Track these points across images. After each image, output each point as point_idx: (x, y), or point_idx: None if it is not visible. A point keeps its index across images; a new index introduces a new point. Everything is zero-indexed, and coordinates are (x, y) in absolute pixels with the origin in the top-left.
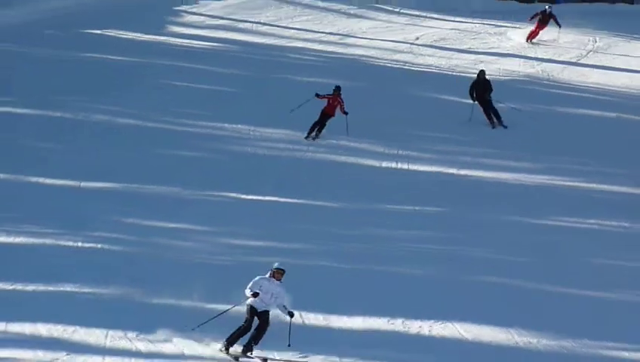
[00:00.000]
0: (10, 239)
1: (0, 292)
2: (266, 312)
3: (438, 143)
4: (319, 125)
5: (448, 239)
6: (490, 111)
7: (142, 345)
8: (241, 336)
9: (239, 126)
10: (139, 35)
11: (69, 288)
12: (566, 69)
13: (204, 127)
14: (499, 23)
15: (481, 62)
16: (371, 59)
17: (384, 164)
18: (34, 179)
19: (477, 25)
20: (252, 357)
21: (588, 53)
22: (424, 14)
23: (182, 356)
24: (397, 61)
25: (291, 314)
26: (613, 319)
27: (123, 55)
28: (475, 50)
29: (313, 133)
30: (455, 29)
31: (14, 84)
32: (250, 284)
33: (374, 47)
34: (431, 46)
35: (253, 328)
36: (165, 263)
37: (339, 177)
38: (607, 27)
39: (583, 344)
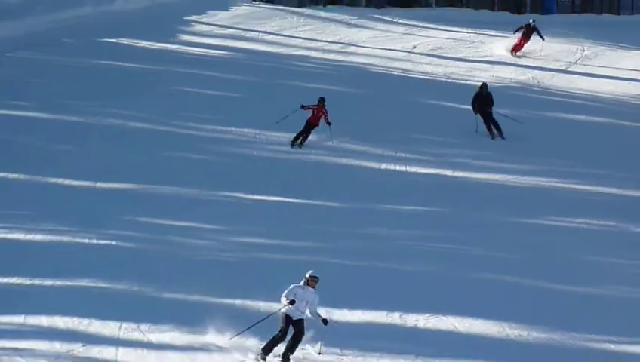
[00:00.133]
0: (29, 236)
1: (19, 287)
2: (301, 321)
3: (435, 146)
4: (304, 134)
5: (445, 238)
6: (490, 123)
7: (154, 337)
8: (276, 345)
9: (246, 130)
10: (151, 43)
11: (84, 283)
12: (555, 77)
13: (213, 130)
14: (492, 33)
15: (476, 69)
16: (371, 67)
17: (383, 166)
18: (51, 180)
19: (471, 34)
20: None
21: (576, 61)
22: (421, 24)
23: (191, 347)
24: (396, 69)
25: (325, 322)
26: (601, 313)
27: (136, 62)
28: (470, 58)
29: (298, 142)
30: (450, 39)
31: (33, 90)
32: (284, 293)
33: (374, 56)
34: (428, 54)
35: (289, 337)
36: (176, 260)
37: (341, 179)
38: (595, 37)
39: (571, 336)
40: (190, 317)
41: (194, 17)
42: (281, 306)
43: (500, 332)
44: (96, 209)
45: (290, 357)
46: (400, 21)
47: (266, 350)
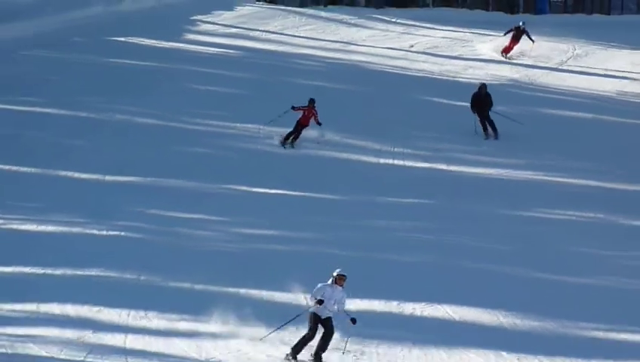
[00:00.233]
0: (42, 228)
1: (31, 276)
2: (329, 319)
3: (431, 142)
4: (294, 134)
5: (441, 230)
6: (487, 122)
7: (161, 324)
8: (306, 344)
9: (250, 125)
10: (158, 42)
11: (94, 272)
12: (548, 74)
13: (218, 126)
14: (487, 32)
15: (470, 67)
16: (370, 65)
17: (382, 161)
18: (62, 173)
19: (467, 33)
20: None
21: (568, 59)
22: (418, 24)
23: (196, 333)
24: (394, 67)
25: (354, 321)
26: (590, 302)
27: (144, 60)
28: (465, 56)
29: (288, 141)
30: (446, 38)
31: (44, 87)
32: (313, 291)
33: (373, 54)
34: (424, 53)
35: (319, 337)
36: (183, 250)
37: (341, 173)
38: (586, 36)
39: (561, 324)
40: (196, 306)
41: (199, 17)
42: (310, 305)
43: (494, 320)
44: (105, 201)
45: (322, 355)
46: (398, 21)
47: (297, 349)
